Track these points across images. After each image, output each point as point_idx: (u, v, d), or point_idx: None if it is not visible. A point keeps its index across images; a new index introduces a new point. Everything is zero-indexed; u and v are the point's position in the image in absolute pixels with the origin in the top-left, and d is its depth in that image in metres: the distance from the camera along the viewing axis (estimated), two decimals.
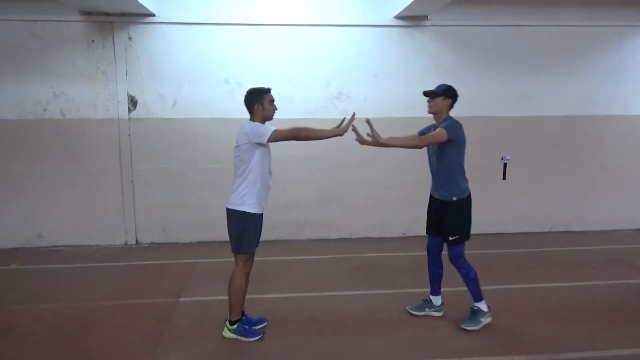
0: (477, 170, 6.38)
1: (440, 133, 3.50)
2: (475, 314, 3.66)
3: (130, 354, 3.30)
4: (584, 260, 5.37)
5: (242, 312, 3.58)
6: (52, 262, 5.42)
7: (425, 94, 3.71)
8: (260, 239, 3.54)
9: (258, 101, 3.44)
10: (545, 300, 4.20)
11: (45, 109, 5.76)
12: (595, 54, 6.40)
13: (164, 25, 5.76)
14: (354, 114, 3.44)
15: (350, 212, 6.32)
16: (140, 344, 3.45)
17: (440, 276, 3.88)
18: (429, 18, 6.04)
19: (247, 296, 3.65)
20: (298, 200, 6.18)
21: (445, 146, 3.56)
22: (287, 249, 5.91)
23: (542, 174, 6.55)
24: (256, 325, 3.62)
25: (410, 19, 6.01)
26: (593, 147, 6.60)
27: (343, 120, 3.54)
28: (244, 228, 3.39)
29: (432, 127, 3.73)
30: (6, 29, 5.58)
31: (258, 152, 3.36)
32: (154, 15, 5.68)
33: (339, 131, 3.40)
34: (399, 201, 6.24)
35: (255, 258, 3.57)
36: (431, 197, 3.84)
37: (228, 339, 3.48)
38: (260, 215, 3.49)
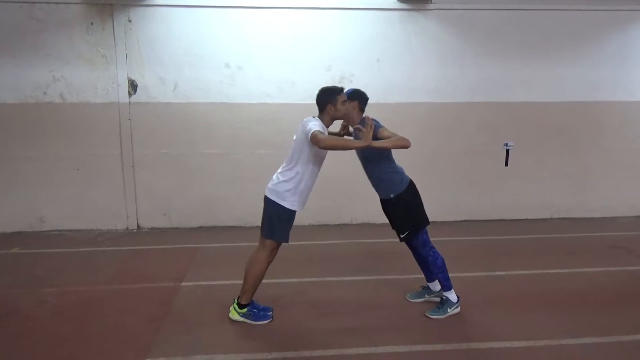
0: (480, 156, 6.41)
1: (387, 132, 3.34)
2: (443, 303, 3.65)
3: (132, 338, 3.32)
4: (585, 247, 5.38)
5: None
6: (54, 246, 5.43)
7: None
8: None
9: (331, 102, 3.36)
10: (545, 287, 4.20)
11: (45, 93, 5.72)
12: (600, 38, 6.32)
13: (164, 8, 5.68)
14: (371, 121, 3.26)
15: (352, 198, 6.31)
16: (142, 327, 3.47)
17: (428, 263, 3.87)
18: (432, 1, 5.95)
19: None
20: None
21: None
22: None
23: (544, 160, 6.53)
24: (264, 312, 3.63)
25: (413, 2, 5.92)
26: (596, 134, 6.55)
27: (346, 127, 3.62)
28: (281, 220, 3.36)
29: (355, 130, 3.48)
30: (4, 10, 5.51)
31: (312, 150, 3.29)
32: None
33: (365, 143, 3.17)
34: None
35: (256, 243, 3.56)
36: (379, 198, 3.75)
37: (231, 322, 3.50)
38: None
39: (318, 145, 3.15)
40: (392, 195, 3.56)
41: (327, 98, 3.37)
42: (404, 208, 3.54)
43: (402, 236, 3.61)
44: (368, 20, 5.96)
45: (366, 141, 3.14)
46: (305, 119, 3.34)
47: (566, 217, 6.68)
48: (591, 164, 6.62)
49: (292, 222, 3.46)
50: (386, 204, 3.67)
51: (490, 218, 6.56)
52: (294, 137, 3.37)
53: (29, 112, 5.72)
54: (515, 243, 5.58)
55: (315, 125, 3.23)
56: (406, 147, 3.29)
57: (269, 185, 3.41)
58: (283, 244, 3.47)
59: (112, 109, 5.83)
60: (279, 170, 3.42)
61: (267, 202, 3.40)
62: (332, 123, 3.43)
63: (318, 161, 3.40)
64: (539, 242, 5.61)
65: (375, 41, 6.01)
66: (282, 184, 3.34)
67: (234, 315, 3.51)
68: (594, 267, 4.69)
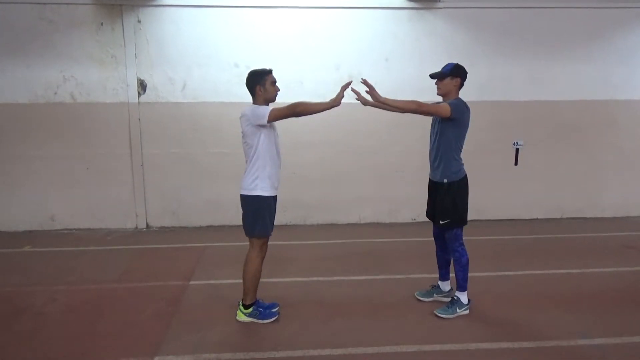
0: (489, 154, 6.36)
1: (443, 107, 3.40)
2: (453, 303, 3.62)
3: (141, 335, 3.34)
4: (597, 247, 5.32)
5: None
6: (65, 245, 5.48)
7: (432, 76, 3.59)
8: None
9: (259, 83, 3.41)
10: (556, 287, 4.16)
11: (55, 93, 5.78)
12: (612, 36, 6.24)
13: (173, 8, 5.71)
14: (350, 82, 3.34)
15: (360, 197, 6.30)
16: (151, 325, 3.49)
17: (448, 262, 3.85)
18: (441, 0, 5.91)
19: None
20: (308, 185, 6.17)
21: (446, 125, 3.47)
22: (296, 233, 5.92)
23: (554, 159, 6.46)
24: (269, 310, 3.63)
25: (422, 1, 5.89)
26: (607, 132, 6.48)
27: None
28: (259, 212, 3.39)
29: None
30: (16, 11, 5.57)
31: (263, 135, 3.34)
32: None
33: (334, 102, 3.29)
34: (409, 186, 6.20)
35: None
36: (429, 179, 3.76)
37: (240, 322, 3.50)
38: (274, 198, 3.48)
39: (295, 112, 3.26)
40: (445, 181, 3.53)
41: (255, 80, 3.40)
42: (452, 197, 3.52)
43: (441, 222, 3.56)
44: (377, 19, 5.94)
45: (334, 102, 3.25)
46: (242, 113, 3.37)
47: (578, 216, 6.61)
48: (603, 163, 6.54)
49: (273, 213, 3.47)
50: (436, 188, 3.63)
51: (500, 218, 6.51)
52: (241, 132, 3.39)
53: (40, 111, 5.78)
54: (525, 243, 5.53)
55: (263, 109, 3.30)
56: (415, 111, 3.40)
57: (240, 186, 3.44)
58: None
59: (122, 108, 5.87)
60: (245, 170, 3.44)
61: (242, 199, 3.44)
62: (267, 105, 3.42)
63: (274, 143, 3.43)
64: (550, 242, 5.55)
65: (384, 40, 5.99)
66: (249, 177, 3.38)
67: (241, 317, 3.52)
68: (606, 268, 4.64)
